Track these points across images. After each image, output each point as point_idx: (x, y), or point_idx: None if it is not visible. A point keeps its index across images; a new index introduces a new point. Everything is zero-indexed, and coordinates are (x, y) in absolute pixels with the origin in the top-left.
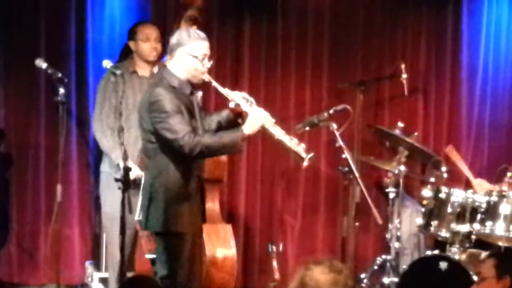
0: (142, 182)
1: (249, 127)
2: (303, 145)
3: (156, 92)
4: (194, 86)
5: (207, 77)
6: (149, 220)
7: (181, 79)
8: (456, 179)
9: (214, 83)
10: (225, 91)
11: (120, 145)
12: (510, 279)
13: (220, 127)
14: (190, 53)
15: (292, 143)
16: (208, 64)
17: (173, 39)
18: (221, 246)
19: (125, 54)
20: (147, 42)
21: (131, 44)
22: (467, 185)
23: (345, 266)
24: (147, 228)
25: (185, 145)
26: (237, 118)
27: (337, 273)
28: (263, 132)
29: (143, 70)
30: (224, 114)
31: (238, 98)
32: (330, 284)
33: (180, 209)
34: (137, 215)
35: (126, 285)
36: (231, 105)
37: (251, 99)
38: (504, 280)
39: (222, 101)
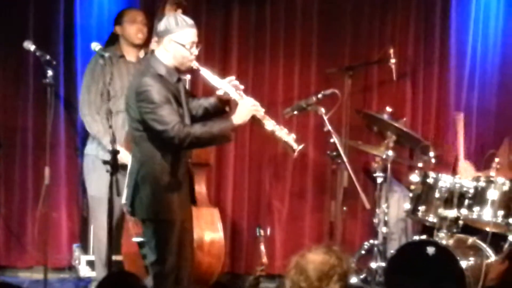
0: (129, 167)
1: (238, 118)
2: (293, 135)
3: (143, 81)
4: (181, 72)
5: (195, 65)
6: (136, 207)
7: (169, 66)
8: (444, 164)
9: (203, 71)
10: (214, 79)
11: (108, 128)
12: None
13: (207, 114)
14: (178, 41)
15: (283, 133)
16: (196, 51)
17: (161, 26)
18: (208, 229)
19: (111, 42)
20: (133, 24)
21: (118, 29)
22: (455, 171)
23: (343, 252)
24: (134, 215)
25: (175, 137)
26: (225, 106)
27: (329, 254)
28: (252, 121)
29: (130, 55)
30: (212, 100)
31: (226, 86)
32: (317, 264)
33: (168, 196)
34: (124, 198)
35: (109, 281)
36: (220, 92)
37: (240, 86)
38: None
39: (210, 93)
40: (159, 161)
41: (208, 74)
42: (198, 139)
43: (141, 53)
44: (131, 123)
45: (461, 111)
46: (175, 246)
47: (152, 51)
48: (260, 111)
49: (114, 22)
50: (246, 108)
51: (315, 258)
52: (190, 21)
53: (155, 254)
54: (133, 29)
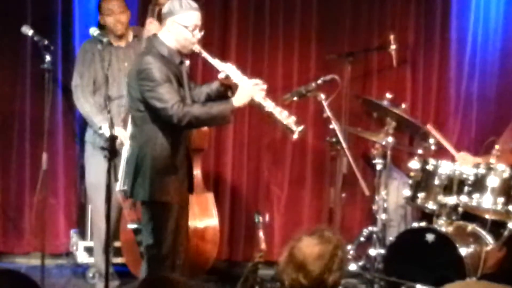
0: (128, 150)
1: (238, 99)
2: (293, 118)
3: (145, 60)
4: (183, 56)
5: (197, 48)
6: (135, 188)
7: (171, 48)
8: (444, 151)
9: (204, 54)
10: (215, 62)
11: (107, 113)
12: None
13: (209, 99)
14: (181, 23)
15: (283, 115)
16: (198, 35)
17: (165, 8)
18: (202, 215)
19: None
20: (110, 16)
21: (100, 19)
22: (455, 158)
23: (336, 236)
24: (133, 197)
25: (173, 115)
26: (227, 90)
27: (324, 245)
28: (252, 103)
29: (117, 41)
30: (214, 86)
31: (228, 69)
32: (315, 257)
33: (167, 179)
34: (120, 185)
35: (146, 285)
36: (221, 75)
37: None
38: None
39: (209, 72)
40: (160, 142)
41: (209, 58)
42: (197, 119)
43: (130, 37)
44: (132, 104)
45: (429, 123)
46: (172, 230)
47: (155, 34)
48: (261, 93)
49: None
50: (246, 90)
51: (312, 251)
52: (194, 4)
53: (151, 237)
54: (111, 21)
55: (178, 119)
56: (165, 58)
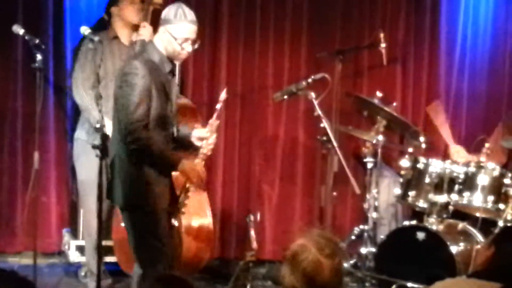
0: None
1: (183, 167)
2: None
3: (133, 64)
4: (175, 66)
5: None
6: (114, 193)
7: (163, 54)
8: (435, 149)
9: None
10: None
11: (98, 112)
12: None
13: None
14: (171, 33)
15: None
16: (189, 47)
17: (162, 13)
18: (196, 214)
19: (100, 28)
20: (131, 5)
21: (114, 10)
22: (445, 156)
23: (334, 246)
24: (113, 202)
25: (131, 131)
26: (191, 144)
27: (331, 259)
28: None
29: (124, 36)
30: (186, 133)
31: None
32: (323, 274)
33: (145, 185)
34: None
35: (157, 284)
36: (196, 134)
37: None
38: None
39: (199, 76)
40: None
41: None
42: (149, 151)
43: (134, 36)
44: (114, 105)
45: (438, 100)
46: (152, 236)
47: (151, 40)
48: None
49: (108, 4)
50: (194, 170)
51: (323, 269)
52: (190, 16)
53: (132, 241)
54: (132, 9)
55: (132, 138)
56: (155, 65)
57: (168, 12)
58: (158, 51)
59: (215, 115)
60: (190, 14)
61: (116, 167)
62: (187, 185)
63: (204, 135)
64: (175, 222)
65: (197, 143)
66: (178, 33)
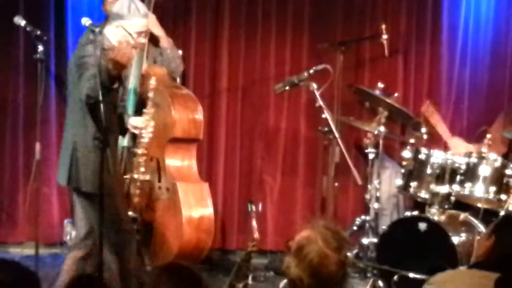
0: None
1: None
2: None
3: (86, 49)
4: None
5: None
6: (59, 172)
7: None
8: (436, 140)
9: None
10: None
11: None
12: None
13: None
14: (126, 28)
15: None
16: (142, 40)
17: (114, 7)
18: (197, 205)
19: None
20: None
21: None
22: (447, 147)
23: (340, 239)
24: (58, 180)
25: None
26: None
27: (337, 252)
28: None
29: None
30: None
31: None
32: (330, 268)
33: (83, 166)
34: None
35: (162, 273)
36: (132, 122)
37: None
38: None
39: (201, 68)
40: (82, 130)
41: None
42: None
43: None
44: (68, 89)
45: (427, 100)
46: (92, 218)
47: (101, 31)
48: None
49: None
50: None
51: (329, 262)
52: (143, 9)
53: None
54: None
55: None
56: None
57: (121, 8)
58: (110, 41)
59: (149, 104)
60: (143, 8)
61: (62, 147)
62: None
63: (139, 125)
64: None
65: (134, 131)
66: (132, 28)
